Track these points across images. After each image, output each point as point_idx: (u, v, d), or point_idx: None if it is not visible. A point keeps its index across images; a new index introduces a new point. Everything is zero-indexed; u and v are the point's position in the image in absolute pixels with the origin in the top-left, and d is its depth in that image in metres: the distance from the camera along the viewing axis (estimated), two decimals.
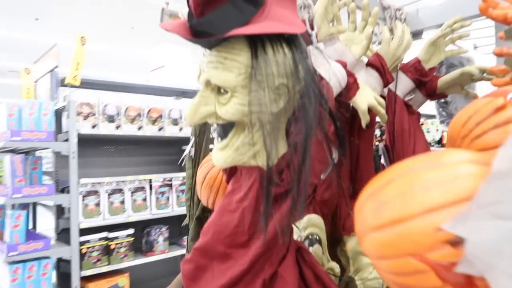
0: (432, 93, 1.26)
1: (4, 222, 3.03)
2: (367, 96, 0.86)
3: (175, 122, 3.70)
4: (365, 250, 0.51)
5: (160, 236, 3.45)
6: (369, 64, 1.02)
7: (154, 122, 3.59)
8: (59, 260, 3.16)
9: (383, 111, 0.94)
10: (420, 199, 0.44)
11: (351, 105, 0.98)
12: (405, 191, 0.46)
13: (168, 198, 3.53)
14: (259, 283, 0.67)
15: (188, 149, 1.25)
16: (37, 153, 3.57)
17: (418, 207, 0.43)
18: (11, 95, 14.80)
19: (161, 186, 3.50)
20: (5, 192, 2.83)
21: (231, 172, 0.77)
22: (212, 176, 1.12)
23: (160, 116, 3.61)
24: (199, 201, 1.20)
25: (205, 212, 1.20)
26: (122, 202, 3.26)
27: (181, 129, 3.71)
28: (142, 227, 3.45)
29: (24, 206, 3.06)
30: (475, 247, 0.37)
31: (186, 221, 1.31)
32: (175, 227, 3.74)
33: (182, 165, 1.30)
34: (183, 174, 3.67)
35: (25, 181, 2.92)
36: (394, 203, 0.46)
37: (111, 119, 3.34)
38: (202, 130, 1.29)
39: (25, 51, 10.11)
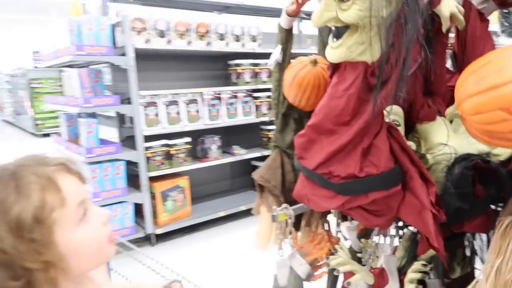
0: (504, 2, 1.30)
1: (77, 130, 3.37)
2: (450, 4, 0.96)
3: (221, 37, 3.79)
4: (463, 110, 0.73)
5: (213, 145, 3.76)
6: None
7: (202, 37, 3.69)
8: (128, 163, 3.54)
9: (461, 18, 1.04)
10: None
11: None
12: (500, 67, 0.67)
13: (218, 110, 3.76)
14: (359, 150, 0.87)
15: (276, 56, 1.39)
16: (93, 67, 3.79)
17: (510, 77, 0.62)
18: (45, 12, 14.88)
19: (212, 99, 3.71)
20: (75, 102, 3.12)
21: (335, 68, 0.93)
22: (300, 77, 1.28)
23: (207, 31, 3.70)
24: (284, 99, 1.38)
25: (290, 110, 1.38)
26: (178, 113, 3.51)
27: (227, 44, 3.80)
28: (197, 136, 3.75)
29: (92, 115, 3.36)
30: None
31: (272, 117, 1.50)
32: (225, 136, 4.03)
33: (270, 67, 1.44)
34: (231, 88, 3.86)
35: (92, 92, 3.19)
36: (492, 75, 0.67)
37: (162, 34, 3.46)
38: (288, 38, 1.41)
39: None
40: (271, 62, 1.37)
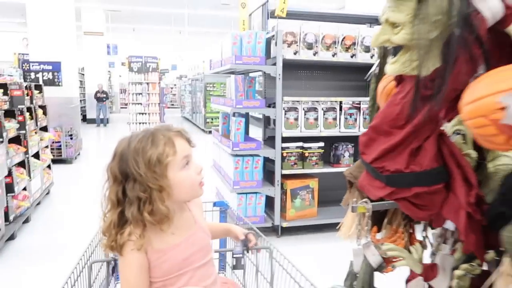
0: None
1: (229, 126, 3.99)
2: None
3: (367, 49, 3.91)
4: (463, 116, 0.87)
5: (346, 152, 3.92)
6: None
7: (347, 49, 3.89)
8: (266, 160, 4.01)
9: None
10: (491, 87, 0.78)
11: None
12: (485, 84, 0.82)
13: (355, 119, 3.90)
14: (408, 150, 1.02)
15: (374, 68, 1.55)
16: (250, 75, 4.37)
17: (490, 91, 0.78)
18: (223, 25, 17.05)
19: (350, 108, 3.88)
20: (230, 103, 3.71)
21: (400, 80, 1.08)
22: (389, 87, 1.42)
23: (354, 44, 3.88)
24: (378, 108, 1.52)
25: None
26: (316, 119, 3.80)
27: (372, 56, 3.91)
28: (331, 142, 3.97)
29: (242, 115, 3.92)
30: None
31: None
32: None
33: (368, 80, 1.61)
34: None
35: (244, 95, 3.74)
36: (478, 89, 0.82)
37: (310, 46, 3.80)
38: (385, 54, 1.56)
39: None
40: (369, 75, 1.53)
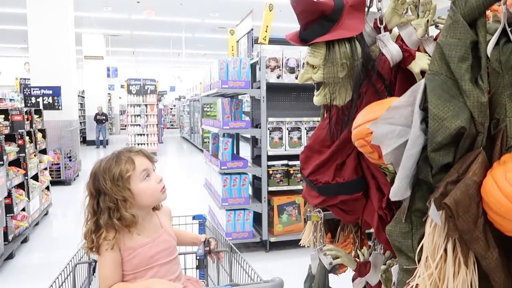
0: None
1: (218, 146, 4.20)
2: (421, 63, 1.18)
3: None
4: (352, 137, 1.06)
5: None
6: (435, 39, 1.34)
7: None
8: (254, 177, 4.21)
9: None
10: (365, 117, 0.99)
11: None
12: (362, 114, 1.03)
13: None
14: (334, 165, 1.24)
15: None
16: (239, 97, 4.61)
17: (364, 119, 0.99)
18: (221, 47, 17.48)
19: None
20: (218, 124, 3.94)
21: (327, 109, 1.31)
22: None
23: None
24: None
25: None
26: (300, 138, 4.01)
27: None
28: None
29: (230, 136, 4.14)
30: (377, 134, 0.89)
31: None
32: None
33: None
34: None
35: (231, 117, 3.97)
36: (359, 118, 1.04)
37: (292, 70, 4.04)
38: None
39: (231, 10, 11.86)
40: None
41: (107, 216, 1.26)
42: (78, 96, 15.72)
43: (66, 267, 1.45)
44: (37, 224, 4.83)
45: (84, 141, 15.50)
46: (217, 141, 4.43)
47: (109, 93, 19.12)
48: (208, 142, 12.59)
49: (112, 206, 1.26)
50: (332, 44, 1.13)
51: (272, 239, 3.90)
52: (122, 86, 18.75)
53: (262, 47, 4.26)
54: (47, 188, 5.50)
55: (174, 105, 25.44)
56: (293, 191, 4.05)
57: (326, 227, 1.62)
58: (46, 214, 5.32)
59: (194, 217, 2.07)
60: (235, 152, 4.54)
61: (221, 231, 3.87)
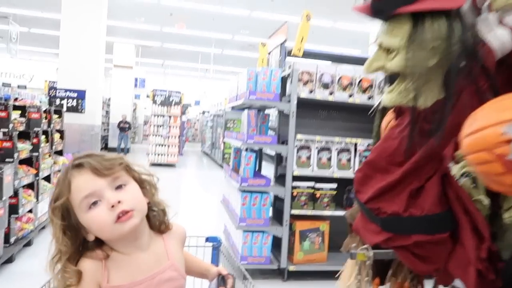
0: None
1: (240, 161, 3.90)
2: None
3: (383, 92, 3.83)
4: (462, 149, 0.76)
5: None
6: None
7: (364, 91, 3.83)
8: (275, 198, 3.87)
9: None
10: (493, 116, 0.67)
11: None
12: (486, 113, 0.71)
13: None
14: (407, 190, 0.89)
15: (377, 103, 1.46)
16: (266, 111, 4.33)
17: (492, 121, 0.67)
18: (249, 65, 17.48)
19: (365, 150, 3.75)
20: (241, 138, 3.65)
21: (399, 112, 0.98)
22: (392, 124, 1.31)
23: (371, 86, 3.82)
24: None
25: None
26: (329, 159, 3.68)
27: (373, 111, 3.82)
28: (345, 184, 3.81)
29: (254, 151, 3.84)
30: None
31: None
32: None
33: (371, 116, 1.52)
34: None
35: (256, 131, 3.68)
36: (479, 119, 0.71)
37: (326, 86, 3.75)
38: None
39: (262, 28, 11.78)
40: (373, 110, 1.43)
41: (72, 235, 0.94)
42: (104, 103, 15.86)
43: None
44: (44, 227, 4.61)
45: (106, 147, 15.53)
46: (239, 156, 4.14)
47: (135, 103, 19.28)
48: (229, 157, 12.40)
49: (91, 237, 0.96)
50: (422, 18, 0.80)
51: (291, 268, 3.53)
52: (147, 96, 18.85)
53: (295, 60, 4.00)
54: None
55: (198, 119, 25.46)
56: (318, 217, 3.69)
57: (373, 269, 1.27)
58: None
59: (207, 239, 1.75)
60: (257, 169, 4.23)
61: (236, 253, 3.54)
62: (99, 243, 0.97)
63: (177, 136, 12.32)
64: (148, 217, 1.03)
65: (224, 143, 12.51)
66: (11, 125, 3.78)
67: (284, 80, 3.97)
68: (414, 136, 0.86)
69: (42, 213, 4.44)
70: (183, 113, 13.99)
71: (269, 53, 4.86)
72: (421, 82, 0.82)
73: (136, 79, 17.96)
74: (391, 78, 0.91)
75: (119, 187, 0.95)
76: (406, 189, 0.89)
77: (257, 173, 3.90)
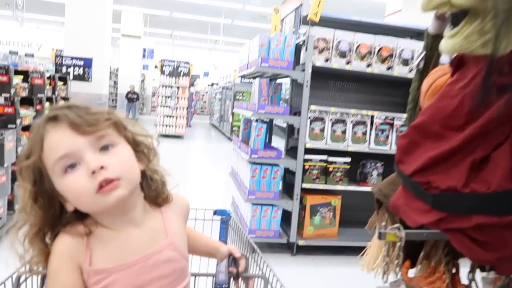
0: None
1: (250, 132, 3.75)
2: None
3: (405, 62, 3.61)
4: None
5: (374, 170, 3.59)
6: None
7: (383, 60, 3.60)
8: (286, 171, 3.73)
9: None
10: None
11: None
12: None
13: (387, 136, 3.57)
14: (468, 161, 0.71)
15: (417, 62, 1.27)
16: (278, 81, 4.13)
17: None
18: None
19: (382, 124, 3.56)
20: (252, 108, 3.48)
21: (458, 64, 0.79)
22: (438, 84, 1.13)
23: (391, 55, 3.59)
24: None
25: None
26: (344, 132, 3.50)
27: (410, 70, 3.59)
28: (358, 158, 3.65)
29: (264, 122, 3.67)
30: None
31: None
32: (390, 165, 3.79)
33: (413, 71, 1.33)
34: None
35: (267, 101, 3.50)
36: None
37: (342, 54, 3.53)
38: (434, 45, 1.28)
39: None
40: (412, 68, 1.25)
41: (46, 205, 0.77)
42: (112, 73, 15.69)
43: (8, 280, 0.93)
44: None
45: None
46: (249, 127, 3.98)
47: (143, 74, 19.06)
48: (238, 130, 12.27)
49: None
50: None
51: (301, 242, 3.42)
52: (156, 67, 18.61)
53: (311, 27, 3.76)
54: None
55: (206, 92, 25.21)
56: (329, 191, 3.55)
57: (404, 251, 1.12)
58: None
59: (215, 212, 1.61)
60: (267, 141, 4.08)
61: (244, 226, 3.43)
62: (82, 215, 0.80)
63: (185, 108, 12.16)
64: (142, 186, 0.85)
65: (232, 115, 12.34)
66: (13, 90, 3.65)
67: (298, 48, 3.75)
68: (487, 91, 0.67)
69: None
70: (191, 84, 13.77)
71: (282, 20, 4.60)
72: (501, 21, 0.62)
73: (144, 50, 17.67)
74: (455, 18, 0.72)
75: (104, 148, 0.77)
76: (467, 159, 0.71)
77: (268, 145, 3.75)
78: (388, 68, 3.61)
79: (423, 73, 1.25)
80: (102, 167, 0.74)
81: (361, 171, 3.63)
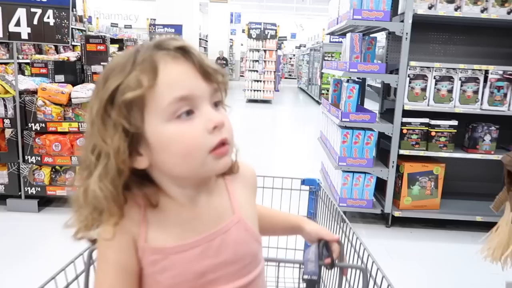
0: None
1: (340, 94, 3.48)
2: None
3: None
4: None
5: (487, 135, 3.09)
6: None
7: (503, 3, 3.01)
8: (381, 136, 3.42)
9: None
10: None
11: None
12: None
13: (505, 94, 3.03)
14: None
15: None
16: (373, 35, 3.74)
17: None
18: None
19: (499, 80, 3.02)
20: (343, 67, 3.19)
21: None
22: None
23: None
24: None
25: None
26: (450, 91, 3.05)
27: None
28: (467, 121, 3.17)
29: (356, 82, 3.37)
30: None
31: None
32: (507, 129, 3.25)
33: None
34: None
35: (360, 58, 3.17)
36: None
37: None
38: None
39: None
40: None
41: (102, 172, 0.60)
42: (202, 39, 16.09)
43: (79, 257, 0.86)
44: None
45: None
46: (339, 88, 3.70)
47: (231, 39, 19.24)
48: (327, 94, 11.86)
49: (91, 161, 0.61)
50: None
51: (397, 213, 3.15)
52: (243, 31, 18.66)
53: None
54: None
55: (294, 55, 24.70)
56: (431, 158, 3.17)
57: None
58: None
59: (303, 182, 1.46)
60: (359, 103, 3.76)
61: (334, 194, 3.26)
62: (141, 179, 0.65)
63: (272, 72, 12.04)
64: None
65: (321, 77, 11.90)
66: (109, 59, 3.83)
67: None
68: None
69: None
70: (278, 47, 13.52)
71: None
72: None
73: (231, 14, 17.72)
74: None
75: (216, 104, 0.65)
76: None
77: (360, 107, 3.45)
78: (509, 12, 3.01)
79: None
80: (222, 125, 0.63)
81: (470, 136, 3.16)
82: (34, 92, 3.33)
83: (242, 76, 19.89)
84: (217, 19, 16.10)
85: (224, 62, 14.54)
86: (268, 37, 11.98)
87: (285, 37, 19.37)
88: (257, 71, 11.93)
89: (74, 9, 9.56)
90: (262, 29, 11.98)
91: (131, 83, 0.59)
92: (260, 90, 11.92)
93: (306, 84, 15.92)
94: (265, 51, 11.97)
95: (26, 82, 3.48)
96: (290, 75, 25.27)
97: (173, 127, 0.60)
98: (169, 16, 7.83)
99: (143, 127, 0.60)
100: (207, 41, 16.60)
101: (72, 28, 8.55)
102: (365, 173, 3.12)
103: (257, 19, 18.65)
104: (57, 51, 6.84)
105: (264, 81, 11.94)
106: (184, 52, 0.61)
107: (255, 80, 11.97)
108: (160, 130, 0.60)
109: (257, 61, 11.95)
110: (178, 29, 7.70)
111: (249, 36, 12.09)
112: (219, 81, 0.64)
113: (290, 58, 25.60)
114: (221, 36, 16.19)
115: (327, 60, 12.00)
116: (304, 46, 18.61)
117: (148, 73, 0.59)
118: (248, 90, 11.99)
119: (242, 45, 20.98)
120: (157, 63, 0.60)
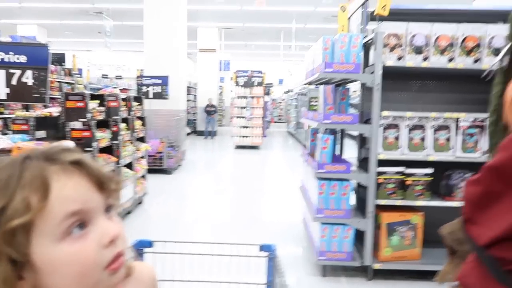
0: None
1: (315, 144, 3.49)
2: None
3: (496, 52, 3.07)
4: None
5: (463, 182, 3.09)
6: None
7: (469, 52, 3.11)
8: (358, 186, 3.40)
9: None
10: None
11: None
12: None
13: (477, 141, 3.07)
14: None
15: (500, 57, 0.96)
16: (348, 86, 3.82)
17: None
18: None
19: (470, 127, 3.07)
20: (317, 117, 3.23)
21: None
22: None
23: (478, 46, 3.09)
24: (505, 128, 0.91)
25: None
26: (423, 139, 3.08)
27: (489, 71, 3.05)
28: (442, 169, 3.18)
29: (332, 132, 3.39)
30: None
31: (487, 151, 1.05)
32: None
33: (486, 79, 1.02)
34: None
35: (334, 109, 3.22)
36: None
37: (418, 50, 3.12)
38: None
39: None
40: (488, 71, 0.94)
41: None
42: (191, 88, 16.37)
43: None
44: (129, 213, 4.74)
45: (195, 131, 16.11)
46: (316, 138, 3.72)
47: (220, 86, 19.62)
48: None
49: None
50: None
51: (377, 266, 3.07)
52: (231, 79, 19.11)
53: (381, 22, 3.40)
54: (143, 176, 5.43)
55: (283, 99, 25.18)
56: (408, 208, 3.14)
57: None
58: (140, 203, 5.23)
59: (261, 248, 1.42)
60: (338, 152, 3.78)
61: (313, 247, 3.18)
62: None
63: (260, 117, 12.18)
64: None
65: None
66: (89, 115, 3.85)
67: (366, 48, 3.43)
68: None
69: (126, 199, 4.54)
70: (266, 93, 13.79)
71: (349, 18, 4.28)
72: None
73: (220, 62, 18.19)
74: None
75: (107, 210, 0.59)
76: None
77: (337, 157, 3.45)
78: (476, 61, 3.11)
79: (506, 74, 0.93)
80: (118, 237, 0.57)
81: (446, 184, 3.15)
82: (10, 151, 3.31)
83: (232, 121, 20.12)
84: (206, 67, 16.48)
85: (213, 109, 14.74)
86: (255, 84, 12.24)
87: (271, 83, 19.82)
88: (244, 117, 12.07)
89: (63, 63, 9.78)
90: (249, 76, 12.27)
91: (18, 206, 0.52)
92: (248, 136, 12.00)
93: (294, 128, 16.09)
94: (252, 97, 12.18)
95: (3, 142, 3.46)
96: (279, 119, 25.61)
97: (66, 247, 0.54)
98: (156, 67, 7.99)
99: (29, 252, 0.53)
100: (196, 89, 16.91)
101: (60, 82, 8.69)
102: (343, 224, 3.07)
103: (245, 66, 19.15)
104: (45, 105, 6.89)
105: (252, 127, 12.05)
106: (78, 165, 0.57)
107: (243, 126, 12.08)
108: (50, 253, 0.53)
109: (245, 107, 12.13)
110: (164, 80, 7.85)
111: (237, 83, 12.35)
112: (112, 189, 0.60)
113: (280, 103, 26.06)
114: (210, 83, 16.50)
115: (313, 105, 12.23)
116: (292, 91, 19.01)
117: (38, 193, 0.53)
118: (236, 136, 12.07)
119: (231, 91, 21.40)
120: (49, 180, 0.54)
